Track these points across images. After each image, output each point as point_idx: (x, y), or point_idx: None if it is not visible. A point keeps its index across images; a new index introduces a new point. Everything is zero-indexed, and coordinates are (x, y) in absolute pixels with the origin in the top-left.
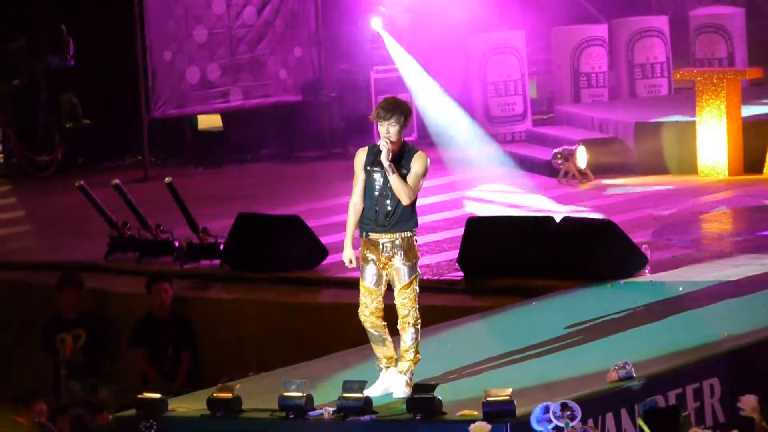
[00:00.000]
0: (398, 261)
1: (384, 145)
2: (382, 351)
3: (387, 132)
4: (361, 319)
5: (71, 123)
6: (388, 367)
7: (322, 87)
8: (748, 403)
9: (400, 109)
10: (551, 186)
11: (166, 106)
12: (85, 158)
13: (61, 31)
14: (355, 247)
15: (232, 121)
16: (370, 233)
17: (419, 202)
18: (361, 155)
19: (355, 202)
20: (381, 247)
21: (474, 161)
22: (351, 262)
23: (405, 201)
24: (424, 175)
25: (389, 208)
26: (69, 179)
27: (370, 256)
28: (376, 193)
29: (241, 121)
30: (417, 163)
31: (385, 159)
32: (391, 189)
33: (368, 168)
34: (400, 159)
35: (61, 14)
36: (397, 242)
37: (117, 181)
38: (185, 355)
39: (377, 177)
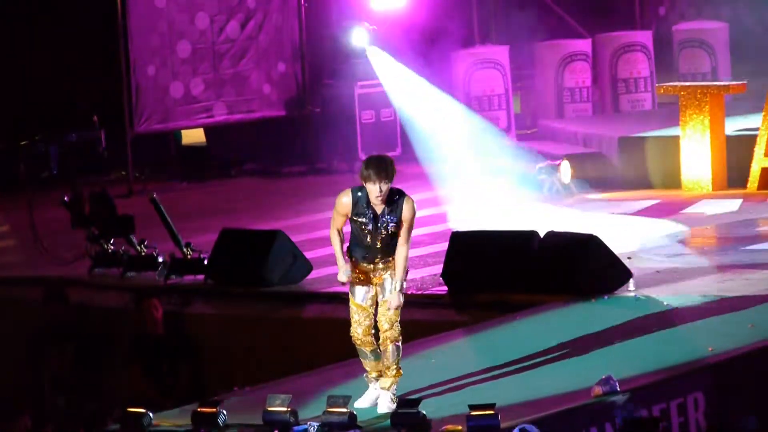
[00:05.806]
0: (388, 276)
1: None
2: (372, 366)
3: (380, 191)
4: (353, 337)
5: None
6: (377, 379)
7: (306, 102)
8: None
9: (389, 165)
10: (535, 201)
11: (150, 120)
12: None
13: (93, 123)
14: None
15: (216, 135)
16: (361, 261)
17: None
18: (344, 200)
19: (337, 228)
20: (373, 267)
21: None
22: (348, 276)
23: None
24: (413, 219)
25: (379, 254)
26: (53, 194)
27: (362, 275)
28: (367, 239)
29: (224, 135)
30: (407, 212)
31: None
32: (380, 235)
33: (355, 219)
34: (389, 205)
35: (92, 105)
36: (389, 262)
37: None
38: (184, 370)
39: (363, 226)
